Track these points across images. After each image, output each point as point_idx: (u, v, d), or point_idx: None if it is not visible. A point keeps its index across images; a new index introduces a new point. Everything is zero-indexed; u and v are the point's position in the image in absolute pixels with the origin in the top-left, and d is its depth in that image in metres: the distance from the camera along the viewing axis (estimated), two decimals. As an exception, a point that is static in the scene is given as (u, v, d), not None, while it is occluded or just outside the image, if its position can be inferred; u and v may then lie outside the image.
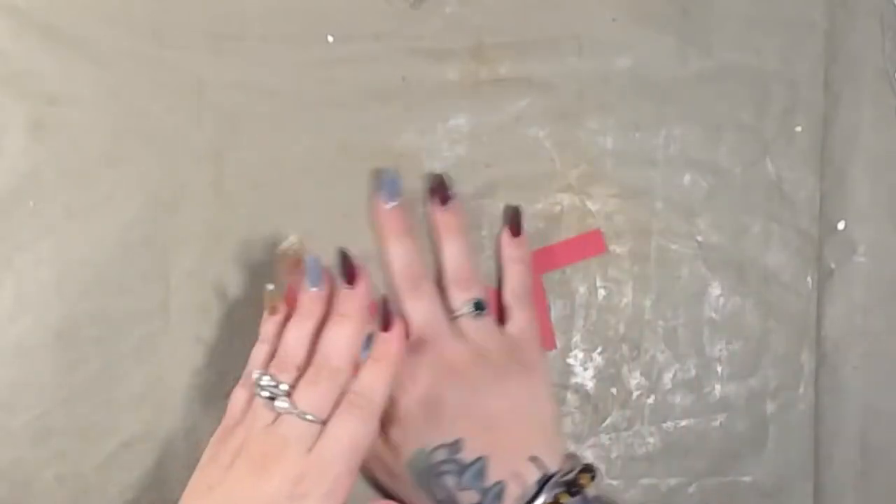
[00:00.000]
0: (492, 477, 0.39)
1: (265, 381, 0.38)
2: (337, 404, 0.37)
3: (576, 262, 0.45)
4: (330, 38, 0.45)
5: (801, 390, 0.46)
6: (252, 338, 0.44)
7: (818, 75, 0.47)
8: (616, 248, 0.46)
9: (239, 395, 0.39)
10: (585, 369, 0.46)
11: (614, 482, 0.45)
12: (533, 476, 0.39)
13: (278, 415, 0.37)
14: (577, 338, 0.46)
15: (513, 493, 0.38)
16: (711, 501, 0.46)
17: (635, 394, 0.46)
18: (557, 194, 0.46)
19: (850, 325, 0.46)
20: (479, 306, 0.42)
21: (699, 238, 0.46)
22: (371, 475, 0.42)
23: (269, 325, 0.40)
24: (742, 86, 0.46)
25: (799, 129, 0.47)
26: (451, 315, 0.42)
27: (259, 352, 0.40)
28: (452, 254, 0.43)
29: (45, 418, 0.44)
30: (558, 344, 0.46)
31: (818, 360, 0.46)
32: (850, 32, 0.47)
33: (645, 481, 0.45)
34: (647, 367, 0.46)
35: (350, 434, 0.36)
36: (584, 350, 0.46)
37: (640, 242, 0.46)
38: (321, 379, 0.37)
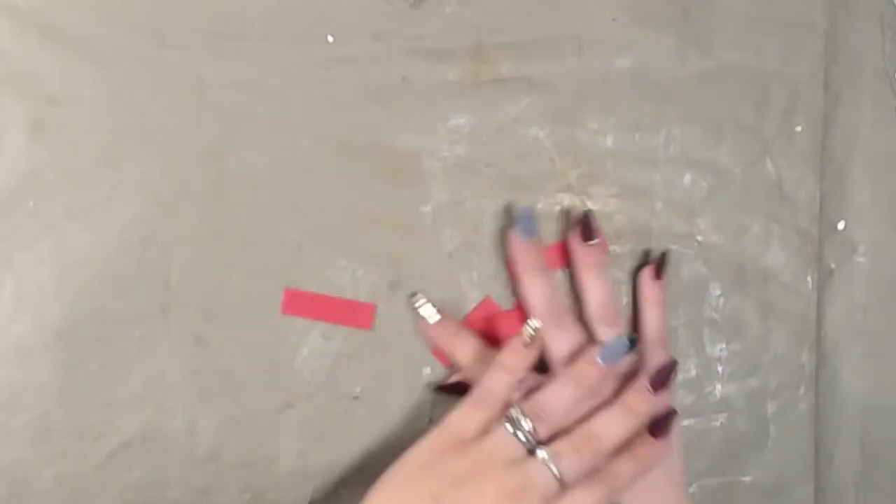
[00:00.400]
0: None
1: (521, 419, 0.38)
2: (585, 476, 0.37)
3: (576, 262, 0.45)
4: (330, 38, 0.45)
5: (801, 390, 0.46)
6: (252, 338, 0.44)
7: (818, 75, 0.47)
8: (616, 248, 0.46)
9: (469, 415, 0.38)
10: (585, 369, 0.46)
11: (614, 482, 0.45)
12: None
13: (527, 454, 0.37)
14: (577, 338, 0.46)
15: None
16: (711, 501, 0.46)
17: (635, 394, 0.46)
18: (557, 194, 0.46)
19: (850, 325, 0.46)
20: (632, 341, 0.41)
21: (699, 238, 0.46)
22: None
23: (517, 357, 0.40)
24: (742, 86, 0.46)
25: (799, 129, 0.47)
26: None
27: (499, 378, 0.39)
28: (597, 290, 0.43)
29: (45, 418, 0.44)
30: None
31: (818, 360, 0.46)
32: (850, 32, 0.47)
33: (645, 481, 0.45)
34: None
35: (590, 502, 0.37)
36: (584, 350, 0.46)
37: (640, 242, 0.46)
38: (586, 452, 0.38)
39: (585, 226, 0.43)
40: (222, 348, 0.44)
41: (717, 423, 0.46)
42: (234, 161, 0.45)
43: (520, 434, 0.37)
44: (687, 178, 0.46)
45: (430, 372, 0.45)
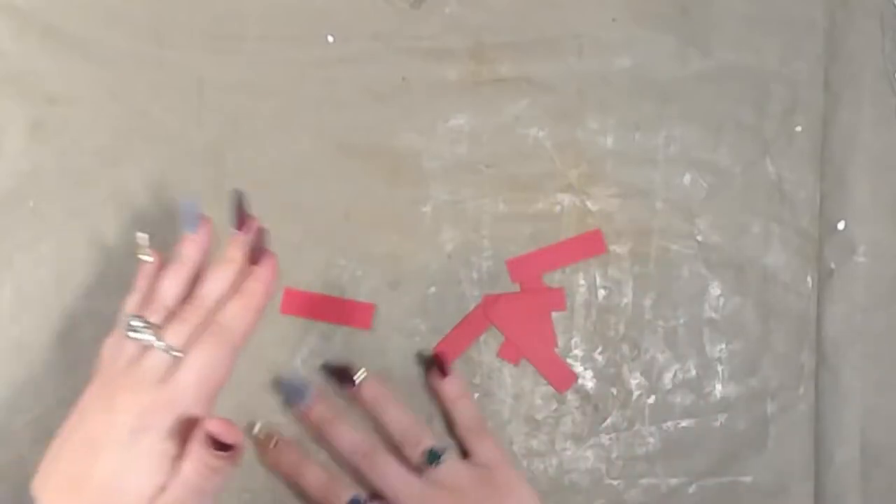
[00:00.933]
0: None
1: (135, 322, 0.37)
2: None
3: (576, 262, 0.45)
4: (330, 38, 0.45)
5: (801, 390, 0.46)
6: (252, 338, 0.44)
7: (818, 75, 0.47)
8: (616, 248, 0.46)
9: (109, 343, 0.38)
10: (585, 369, 0.46)
11: (614, 482, 0.45)
12: None
13: (144, 350, 0.36)
14: (577, 338, 0.46)
15: None
16: (711, 501, 0.46)
17: (635, 394, 0.46)
18: (557, 194, 0.46)
19: (850, 325, 0.46)
20: (433, 455, 0.42)
21: (699, 238, 0.46)
22: None
23: (142, 277, 0.40)
24: (742, 86, 0.46)
25: (799, 129, 0.47)
26: (417, 472, 0.42)
27: (130, 300, 0.39)
28: (393, 417, 0.43)
29: (45, 418, 0.44)
30: (559, 343, 0.45)
31: (818, 360, 0.46)
32: (850, 32, 0.47)
33: (645, 481, 0.45)
34: (647, 367, 0.46)
35: (202, 363, 0.36)
36: (584, 350, 0.46)
37: (640, 242, 0.46)
38: (190, 316, 0.37)
39: (347, 375, 0.43)
40: (222, 348, 0.44)
41: (717, 423, 0.46)
42: (234, 161, 0.45)
43: (133, 334, 0.36)
44: (687, 178, 0.46)
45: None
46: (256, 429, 0.44)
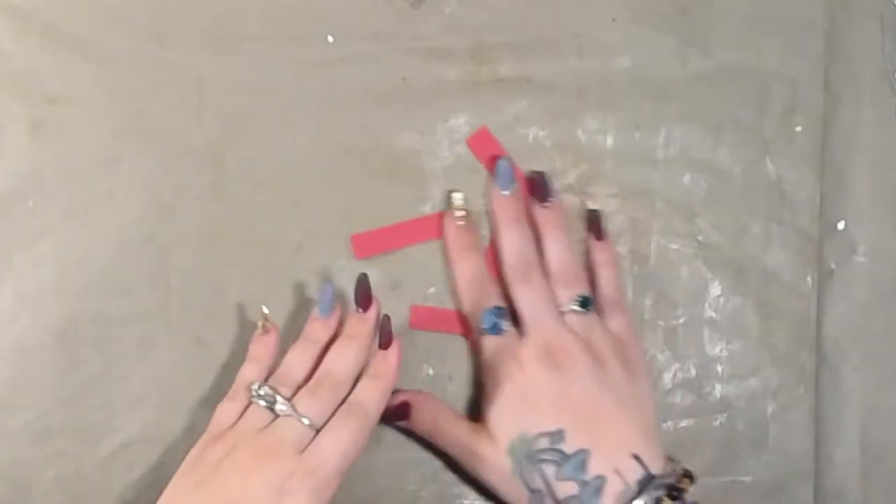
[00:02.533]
0: (593, 470, 0.38)
1: (264, 391, 0.39)
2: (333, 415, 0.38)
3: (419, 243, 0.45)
4: (330, 38, 0.45)
5: (801, 390, 0.46)
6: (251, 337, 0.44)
7: (818, 75, 0.47)
8: (616, 248, 0.46)
9: (227, 408, 0.40)
10: (585, 369, 0.46)
11: (614, 482, 0.45)
12: (634, 475, 0.38)
13: (275, 418, 0.38)
14: (577, 338, 0.46)
15: (613, 489, 0.38)
16: (711, 501, 0.46)
17: (635, 394, 0.46)
18: (557, 194, 0.46)
19: (850, 325, 0.46)
20: (585, 302, 0.42)
21: (699, 238, 0.46)
22: (459, 465, 0.42)
23: (259, 346, 0.42)
24: (742, 86, 0.46)
25: (799, 129, 0.47)
26: (557, 310, 0.42)
27: (249, 369, 0.41)
28: (555, 251, 0.43)
29: (45, 418, 0.44)
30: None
31: (818, 360, 0.46)
32: (850, 32, 0.47)
33: (645, 481, 0.45)
34: (647, 366, 0.46)
35: (343, 439, 0.38)
36: (584, 350, 0.46)
37: (640, 242, 0.46)
38: (322, 389, 0.39)
39: (541, 186, 0.44)
40: (222, 348, 0.44)
41: (717, 423, 0.46)
42: (234, 161, 0.45)
43: (264, 403, 0.38)
44: (687, 178, 0.46)
45: (431, 372, 0.45)
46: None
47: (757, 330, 0.46)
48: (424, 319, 0.45)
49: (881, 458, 0.46)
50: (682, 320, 0.46)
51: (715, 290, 0.46)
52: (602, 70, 0.46)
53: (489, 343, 0.42)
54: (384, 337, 0.41)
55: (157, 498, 0.39)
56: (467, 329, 0.45)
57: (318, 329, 0.42)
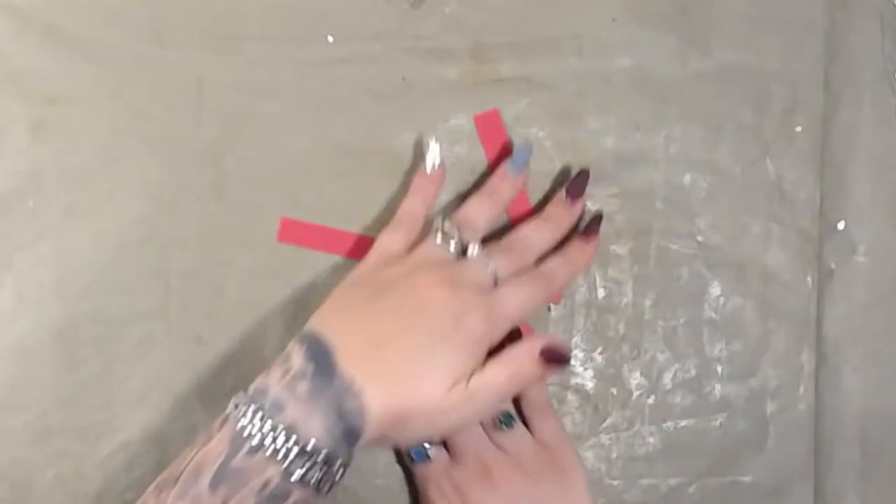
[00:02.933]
0: None
1: (447, 226, 0.39)
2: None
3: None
4: (330, 38, 0.45)
5: (801, 390, 0.46)
6: (252, 337, 0.44)
7: (818, 75, 0.47)
8: (616, 248, 0.46)
9: (393, 236, 0.40)
10: (585, 369, 0.46)
11: (614, 482, 0.45)
12: None
13: (461, 255, 0.39)
14: (577, 338, 0.46)
15: None
16: (711, 501, 0.46)
17: (635, 394, 0.46)
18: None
19: (850, 325, 0.46)
20: (507, 420, 0.42)
21: (699, 238, 0.46)
22: None
23: (425, 181, 0.42)
24: (742, 86, 0.46)
25: (799, 129, 0.46)
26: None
27: (413, 202, 0.42)
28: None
29: (45, 418, 0.44)
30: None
31: (818, 360, 0.46)
32: (850, 32, 0.47)
33: (645, 481, 0.45)
34: (647, 367, 0.46)
35: (525, 296, 0.38)
36: (584, 350, 0.46)
37: (640, 242, 0.46)
38: (513, 251, 0.40)
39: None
40: (222, 348, 0.44)
41: (717, 423, 0.46)
42: (234, 161, 0.45)
43: (447, 241, 0.39)
44: (687, 178, 0.46)
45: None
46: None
47: (757, 330, 0.46)
48: (295, 234, 0.44)
49: (881, 458, 0.46)
50: (682, 320, 0.46)
51: (715, 290, 0.46)
52: (602, 70, 0.46)
53: (419, 471, 0.42)
54: (590, 227, 0.42)
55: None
56: (338, 250, 0.44)
57: (503, 185, 0.42)
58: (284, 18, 0.45)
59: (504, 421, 0.42)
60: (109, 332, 0.44)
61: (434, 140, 0.42)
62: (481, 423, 0.42)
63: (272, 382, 0.35)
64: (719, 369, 0.46)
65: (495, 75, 0.46)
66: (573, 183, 0.43)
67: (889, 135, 0.46)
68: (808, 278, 0.46)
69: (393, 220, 0.41)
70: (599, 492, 0.45)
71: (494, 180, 0.42)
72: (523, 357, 0.37)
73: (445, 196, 0.45)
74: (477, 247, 0.39)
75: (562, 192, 0.43)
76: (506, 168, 0.42)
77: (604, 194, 0.46)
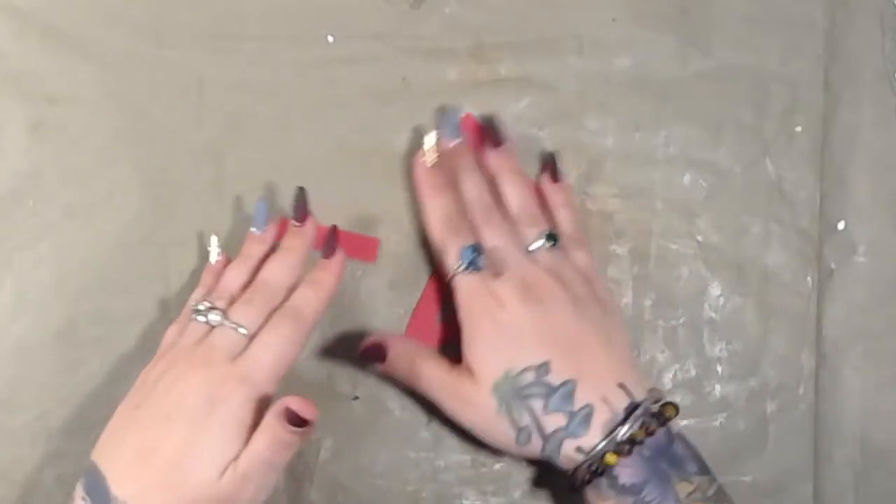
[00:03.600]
0: (580, 400, 0.38)
1: (202, 306, 0.39)
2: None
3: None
4: (330, 38, 0.45)
5: (801, 390, 0.46)
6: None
7: (818, 75, 0.47)
8: (616, 248, 0.46)
9: (172, 330, 0.41)
10: (585, 369, 0.46)
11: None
12: (621, 403, 0.38)
13: (210, 328, 0.38)
14: (577, 338, 0.46)
15: (601, 417, 0.38)
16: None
17: (635, 394, 0.46)
18: (557, 194, 0.46)
19: (850, 325, 0.46)
20: (551, 237, 0.41)
21: (699, 238, 0.46)
22: (441, 408, 0.41)
23: (209, 273, 0.42)
24: (742, 86, 0.46)
25: (799, 129, 0.46)
26: (525, 249, 0.41)
27: (197, 293, 0.42)
28: (514, 193, 0.43)
29: (45, 418, 0.44)
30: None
31: (818, 360, 0.46)
32: (850, 32, 0.47)
33: (645, 481, 0.45)
34: (647, 367, 0.46)
35: (276, 342, 0.38)
36: (584, 350, 0.46)
37: (640, 242, 0.46)
38: (255, 297, 0.39)
39: (494, 133, 0.43)
40: (222, 348, 0.44)
41: (717, 423, 0.46)
42: (234, 161, 0.45)
43: (200, 318, 0.39)
44: (687, 178, 0.46)
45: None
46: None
47: (757, 330, 0.46)
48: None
49: (881, 459, 0.46)
50: (682, 320, 0.46)
51: (715, 290, 0.46)
52: (602, 70, 0.46)
53: (464, 283, 0.40)
54: (328, 247, 0.41)
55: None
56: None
57: (253, 245, 0.42)
58: (284, 18, 0.45)
59: (549, 238, 0.41)
60: (109, 332, 0.44)
61: (213, 236, 0.43)
62: (522, 242, 0.41)
63: None
64: (719, 369, 0.46)
65: (495, 75, 0.46)
66: (294, 206, 0.42)
67: (889, 135, 0.46)
68: (808, 278, 0.46)
69: (180, 315, 0.42)
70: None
71: (245, 246, 0.42)
72: (274, 424, 0.36)
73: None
74: (219, 313, 0.39)
75: (290, 220, 0.42)
76: (252, 227, 0.42)
77: (604, 194, 0.46)
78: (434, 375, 0.40)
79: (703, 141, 0.46)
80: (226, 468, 0.36)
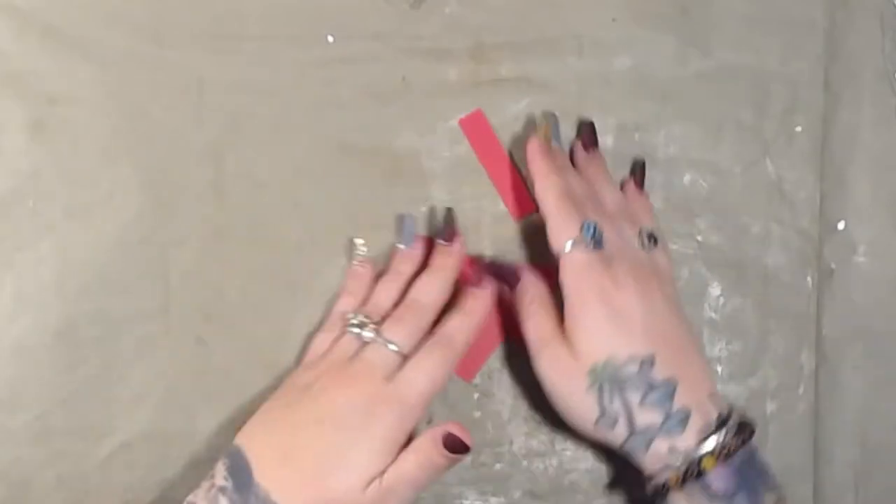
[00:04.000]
0: (679, 402, 0.38)
1: (356, 319, 0.40)
2: (419, 343, 0.39)
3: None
4: (330, 38, 0.45)
5: (801, 390, 0.46)
6: (252, 337, 0.44)
7: (818, 75, 0.47)
8: (616, 248, 0.46)
9: (322, 338, 0.42)
10: (585, 369, 0.46)
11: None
12: (713, 412, 0.38)
13: (363, 344, 0.40)
14: (577, 338, 0.46)
15: (697, 423, 0.37)
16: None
17: (635, 394, 0.46)
18: (557, 194, 0.46)
19: (850, 325, 0.46)
20: (652, 236, 0.42)
21: (699, 238, 0.46)
22: (531, 354, 0.40)
23: (354, 278, 0.44)
24: (742, 86, 0.46)
25: (799, 129, 0.47)
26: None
27: (345, 301, 0.43)
28: (611, 193, 0.43)
29: (45, 418, 0.44)
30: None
31: (818, 360, 0.46)
32: (850, 32, 0.47)
33: (645, 481, 0.45)
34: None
35: (429, 370, 0.39)
36: (584, 350, 0.46)
37: (640, 242, 0.46)
38: (408, 316, 0.40)
39: (589, 134, 0.44)
40: (222, 348, 0.44)
41: (717, 423, 0.46)
42: (234, 161, 0.45)
43: (355, 330, 0.40)
44: (687, 178, 0.46)
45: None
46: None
47: (757, 330, 0.46)
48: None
49: (881, 459, 0.46)
50: (682, 320, 0.46)
51: (715, 290, 0.46)
52: (602, 70, 0.46)
53: (581, 258, 0.39)
54: (480, 276, 0.42)
55: (158, 498, 0.39)
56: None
57: (404, 262, 0.43)
58: (284, 18, 0.45)
59: (649, 235, 0.42)
60: (109, 332, 0.44)
61: (359, 238, 0.44)
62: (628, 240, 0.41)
63: (198, 499, 0.37)
64: (719, 369, 0.46)
65: (495, 75, 0.46)
66: (444, 226, 0.43)
67: (889, 135, 0.46)
68: (808, 278, 0.46)
69: (325, 322, 0.43)
70: (599, 492, 0.45)
71: (394, 262, 0.43)
72: (428, 447, 0.37)
73: (447, 197, 0.45)
74: (373, 330, 0.40)
75: (439, 240, 0.43)
76: (398, 246, 0.44)
77: (604, 194, 0.46)
78: (544, 324, 0.40)
79: (703, 141, 0.46)
80: (371, 481, 0.36)
